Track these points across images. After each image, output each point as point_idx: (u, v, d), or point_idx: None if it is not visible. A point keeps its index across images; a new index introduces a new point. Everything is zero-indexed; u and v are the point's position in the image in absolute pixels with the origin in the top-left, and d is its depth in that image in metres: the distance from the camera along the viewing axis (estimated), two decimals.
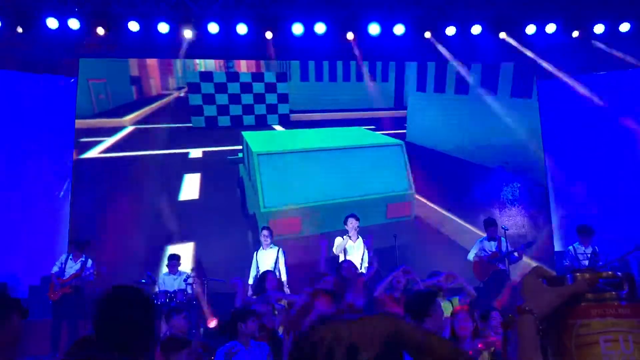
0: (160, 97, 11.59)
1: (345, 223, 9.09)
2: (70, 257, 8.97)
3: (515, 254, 9.23)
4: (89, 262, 9.01)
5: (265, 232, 9.26)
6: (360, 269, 8.65)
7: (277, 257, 9.11)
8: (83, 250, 9.01)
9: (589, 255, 9.06)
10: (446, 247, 10.80)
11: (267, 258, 9.08)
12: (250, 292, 8.23)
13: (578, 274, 1.27)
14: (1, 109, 10.35)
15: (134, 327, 2.04)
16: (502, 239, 9.35)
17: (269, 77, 11.92)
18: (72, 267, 8.86)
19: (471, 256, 9.52)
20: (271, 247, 9.22)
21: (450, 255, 10.49)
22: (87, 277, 8.82)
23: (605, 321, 1.20)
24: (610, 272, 1.28)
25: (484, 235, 9.58)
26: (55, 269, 8.88)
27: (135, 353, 2.02)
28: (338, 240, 9.09)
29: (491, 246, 9.35)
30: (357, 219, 9.04)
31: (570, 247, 9.40)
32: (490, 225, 9.45)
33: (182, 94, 11.62)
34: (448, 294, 7.92)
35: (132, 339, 2.03)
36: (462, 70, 11.46)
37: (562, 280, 1.27)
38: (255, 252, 9.28)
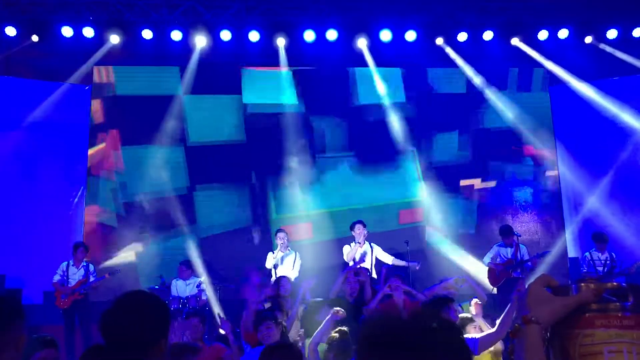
0: None
1: (352, 229, 9.09)
2: (72, 263, 9.01)
3: (530, 262, 9.17)
4: (91, 266, 9.09)
5: (281, 234, 9.24)
6: (370, 274, 8.68)
7: (295, 261, 9.16)
8: (84, 255, 9.08)
9: (605, 262, 8.98)
10: (458, 253, 10.76)
11: (286, 261, 9.13)
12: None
13: (583, 284, 1.27)
14: (16, 116, 10.48)
15: (144, 332, 2.04)
16: (521, 245, 9.31)
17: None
18: (76, 274, 8.91)
19: (486, 260, 9.43)
20: (289, 251, 9.25)
21: (462, 261, 10.48)
22: (92, 283, 8.90)
23: (609, 332, 1.21)
24: (615, 283, 1.28)
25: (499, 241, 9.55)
26: (56, 277, 8.91)
27: (147, 357, 2.03)
28: (346, 248, 9.10)
29: (507, 252, 9.25)
30: (364, 225, 9.05)
31: (587, 254, 9.31)
32: (506, 233, 9.37)
33: None
34: (460, 299, 7.94)
35: (143, 343, 2.03)
36: (473, 75, 11.42)
37: (567, 290, 1.28)
38: (271, 252, 9.25)
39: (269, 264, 9.15)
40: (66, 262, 9.05)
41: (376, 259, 9.12)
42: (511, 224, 10.45)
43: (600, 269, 8.95)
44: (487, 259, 9.42)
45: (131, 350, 2.01)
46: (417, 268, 8.97)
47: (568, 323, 1.24)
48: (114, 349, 2.03)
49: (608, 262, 8.98)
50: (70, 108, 10.89)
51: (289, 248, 9.29)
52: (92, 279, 8.96)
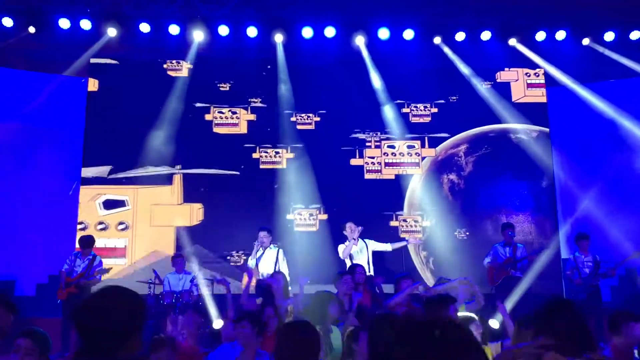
0: None
1: (343, 229, 9.14)
2: (79, 255, 8.97)
3: (526, 260, 9.20)
4: (97, 259, 8.99)
5: (262, 233, 9.07)
6: (369, 271, 8.72)
7: (277, 258, 9.04)
8: (90, 247, 9.00)
9: (589, 264, 9.04)
10: (454, 254, 10.78)
11: (267, 259, 8.98)
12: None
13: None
14: (13, 108, 10.42)
15: (113, 326, 2.03)
16: (518, 245, 9.35)
17: None
18: (80, 266, 8.83)
19: (486, 261, 9.42)
20: (270, 248, 9.13)
21: (459, 262, 10.50)
22: (93, 276, 8.81)
23: None
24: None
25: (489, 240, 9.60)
26: (65, 266, 8.85)
27: (121, 354, 2.03)
28: (341, 247, 9.13)
29: (505, 251, 9.29)
30: (355, 223, 9.09)
31: (571, 256, 9.41)
32: (506, 229, 9.41)
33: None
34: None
35: (113, 338, 2.02)
36: (471, 75, 11.41)
37: None
38: (255, 250, 9.02)
39: (250, 262, 9.03)
40: (75, 253, 8.98)
41: (373, 253, 9.16)
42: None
43: (586, 270, 9.02)
44: (487, 260, 9.42)
45: (101, 344, 2.01)
46: (415, 241, 9.48)
47: None
48: (85, 343, 2.03)
49: (591, 264, 9.04)
50: (67, 101, 10.85)
51: (272, 245, 9.14)
52: (97, 270, 8.86)
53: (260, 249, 9.00)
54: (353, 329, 4.83)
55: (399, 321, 3.31)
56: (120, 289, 2.20)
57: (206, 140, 11.12)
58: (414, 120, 11.56)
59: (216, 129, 11.21)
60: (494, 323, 6.60)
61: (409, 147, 11.49)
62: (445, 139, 11.49)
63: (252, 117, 11.29)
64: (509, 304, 8.73)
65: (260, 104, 11.31)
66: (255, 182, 10.94)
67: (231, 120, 11.23)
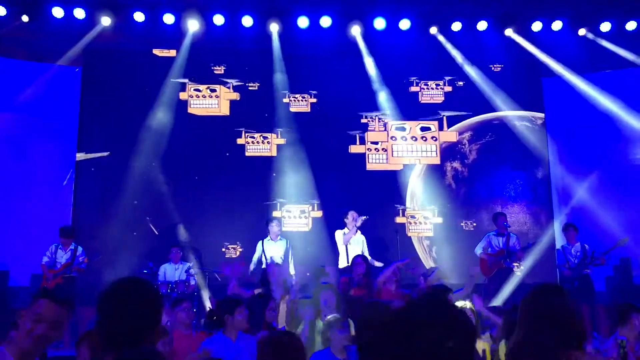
0: None
1: (345, 216, 9.08)
2: (60, 246, 8.94)
3: (517, 255, 9.19)
4: (79, 249, 8.99)
5: (273, 222, 9.15)
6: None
7: (287, 250, 9.05)
8: (71, 238, 8.98)
9: (578, 254, 9.08)
10: (459, 243, 10.76)
11: (276, 250, 8.98)
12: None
13: None
14: (6, 97, 10.35)
15: (138, 320, 2.04)
16: (511, 235, 9.34)
17: None
18: (63, 257, 8.84)
19: (478, 250, 9.40)
20: (280, 239, 9.13)
21: (463, 251, 10.49)
22: (79, 266, 8.82)
23: None
24: None
25: (490, 230, 9.61)
26: (45, 259, 8.85)
27: (138, 345, 2.02)
28: (339, 232, 9.09)
29: (499, 242, 9.28)
30: (357, 212, 9.03)
31: (559, 248, 9.46)
32: (499, 218, 9.38)
33: None
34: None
35: (136, 332, 2.03)
36: (466, 65, 11.35)
37: None
38: (261, 241, 9.07)
39: (256, 255, 9.03)
40: (55, 245, 8.99)
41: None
42: None
43: (574, 260, 9.06)
44: (479, 248, 9.41)
45: (126, 335, 2.01)
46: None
47: None
48: (110, 333, 2.02)
49: (580, 253, 9.08)
50: (61, 90, 10.78)
51: (280, 237, 9.15)
52: (81, 260, 8.86)
53: (271, 241, 9.01)
54: (332, 317, 4.85)
55: (387, 309, 3.30)
56: (141, 281, 2.22)
57: (182, 122, 10.56)
58: (424, 100, 11.20)
59: (191, 110, 10.62)
60: None
61: (424, 129, 10.95)
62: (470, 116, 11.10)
63: (235, 95, 10.60)
64: (503, 294, 8.78)
65: (250, 85, 10.78)
66: (240, 172, 10.49)
67: (210, 100, 10.51)
